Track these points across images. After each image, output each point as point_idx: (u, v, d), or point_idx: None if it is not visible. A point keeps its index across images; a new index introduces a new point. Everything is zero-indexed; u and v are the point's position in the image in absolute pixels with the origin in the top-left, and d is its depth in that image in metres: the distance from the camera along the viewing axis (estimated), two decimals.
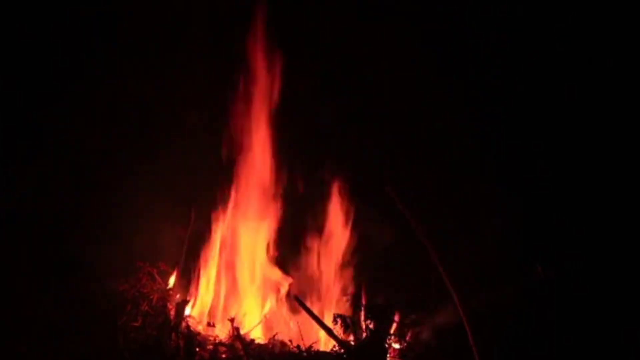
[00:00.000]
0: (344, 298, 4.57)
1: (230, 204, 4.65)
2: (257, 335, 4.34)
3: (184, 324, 4.13)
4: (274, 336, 4.23)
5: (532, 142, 5.01)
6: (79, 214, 4.72)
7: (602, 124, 4.97)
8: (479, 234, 4.73)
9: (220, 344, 4.11)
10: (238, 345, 4.06)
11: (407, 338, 4.22)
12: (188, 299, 4.37)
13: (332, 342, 4.11)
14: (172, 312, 4.19)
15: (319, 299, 4.60)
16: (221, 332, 4.22)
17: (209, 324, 4.26)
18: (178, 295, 4.43)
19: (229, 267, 4.60)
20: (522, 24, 5.07)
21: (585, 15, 4.99)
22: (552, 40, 5.04)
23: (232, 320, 4.13)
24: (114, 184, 4.77)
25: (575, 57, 5.03)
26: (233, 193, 4.66)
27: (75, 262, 4.48)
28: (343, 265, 4.65)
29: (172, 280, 4.53)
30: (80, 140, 4.82)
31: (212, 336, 4.17)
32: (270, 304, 4.54)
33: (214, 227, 4.63)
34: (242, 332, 4.14)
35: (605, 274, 4.57)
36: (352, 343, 4.10)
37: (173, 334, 4.05)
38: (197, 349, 4.03)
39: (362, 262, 4.66)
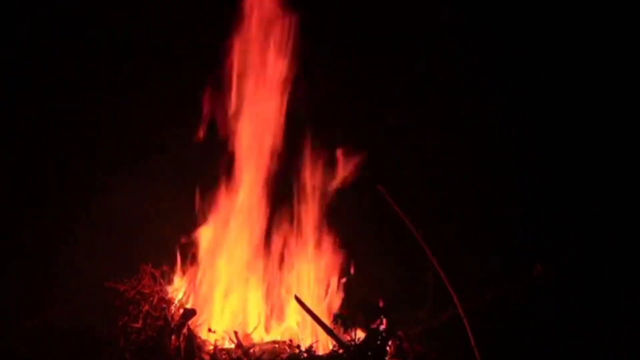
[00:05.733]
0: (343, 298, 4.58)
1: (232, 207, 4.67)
2: (257, 336, 4.35)
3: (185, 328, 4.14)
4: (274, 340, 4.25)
5: (531, 140, 5.01)
6: (81, 215, 4.76)
7: (601, 123, 4.97)
8: (478, 233, 4.73)
9: (222, 349, 4.12)
10: (238, 350, 4.07)
11: (407, 338, 4.21)
12: (193, 307, 4.35)
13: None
14: (176, 315, 4.20)
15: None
16: (221, 337, 4.22)
17: (209, 330, 4.25)
18: (182, 299, 4.45)
19: (228, 270, 4.61)
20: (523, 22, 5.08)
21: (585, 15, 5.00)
22: (552, 38, 5.05)
23: (236, 333, 4.14)
24: (116, 184, 4.80)
25: (574, 56, 5.03)
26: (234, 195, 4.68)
27: (76, 263, 4.52)
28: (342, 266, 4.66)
29: (176, 283, 4.55)
30: (82, 142, 4.87)
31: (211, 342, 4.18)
32: (269, 305, 4.56)
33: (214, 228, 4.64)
34: (241, 334, 4.15)
35: (606, 272, 4.57)
36: (352, 343, 4.10)
37: (173, 336, 4.07)
38: (197, 351, 4.05)
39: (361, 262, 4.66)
